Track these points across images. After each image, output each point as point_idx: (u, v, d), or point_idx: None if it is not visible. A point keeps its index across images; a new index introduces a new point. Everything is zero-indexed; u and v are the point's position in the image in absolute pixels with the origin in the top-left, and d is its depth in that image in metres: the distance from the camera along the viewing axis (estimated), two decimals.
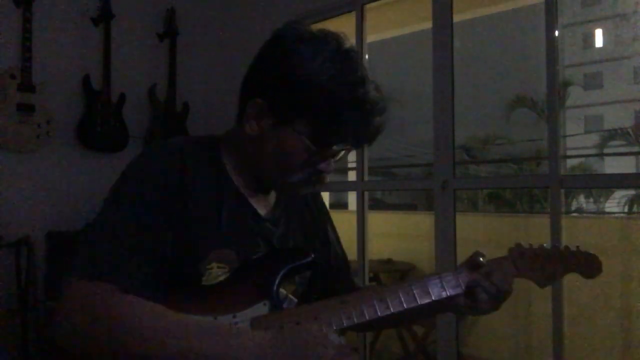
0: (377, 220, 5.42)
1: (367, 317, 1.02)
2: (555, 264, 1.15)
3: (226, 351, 0.88)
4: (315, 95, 0.98)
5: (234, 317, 0.98)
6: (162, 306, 0.91)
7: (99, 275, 0.90)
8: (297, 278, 1.10)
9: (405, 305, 1.05)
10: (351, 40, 1.08)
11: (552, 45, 2.24)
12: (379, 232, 5.02)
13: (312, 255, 1.08)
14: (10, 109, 2.86)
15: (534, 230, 4.74)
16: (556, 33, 2.26)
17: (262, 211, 1.11)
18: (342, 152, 1.06)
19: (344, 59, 1.01)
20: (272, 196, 1.16)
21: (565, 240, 2.19)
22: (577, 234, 4.05)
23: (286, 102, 1.01)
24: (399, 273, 4.95)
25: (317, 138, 1.01)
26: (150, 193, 0.99)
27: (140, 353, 0.87)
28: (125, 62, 3.30)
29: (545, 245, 1.18)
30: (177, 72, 3.45)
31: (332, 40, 1.03)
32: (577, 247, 1.15)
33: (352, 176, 2.91)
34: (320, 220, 1.28)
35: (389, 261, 5.00)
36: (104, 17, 3.18)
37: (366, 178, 2.98)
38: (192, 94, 3.51)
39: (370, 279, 4.33)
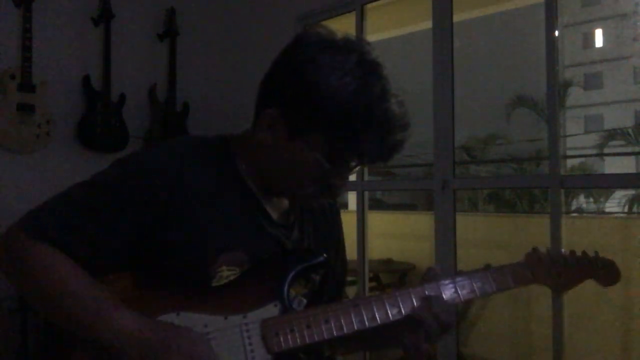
0: (377, 220, 5.42)
1: (379, 321, 1.01)
2: (573, 270, 1.11)
3: (96, 318, 0.92)
4: (331, 110, 0.93)
5: (245, 317, 0.97)
6: (68, 265, 0.95)
7: (31, 226, 0.98)
8: (312, 277, 1.09)
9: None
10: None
11: (552, 45, 2.24)
12: (379, 232, 5.03)
13: (324, 256, 1.06)
14: (10, 109, 2.86)
15: (534, 230, 4.74)
16: (556, 33, 2.26)
17: (275, 215, 1.09)
18: (357, 168, 1.03)
19: (365, 73, 0.95)
20: (286, 201, 1.12)
21: (565, 240, 2.19)
22: (577, 234, 4.05)
23: (300, 114, 0.96)
24: (399, 273, 4.96)
25: (331, 154, 0.97)
26: (130, 184, 0.99)
27: (37, 296, 0.97)
28: (125, 62, 3.30)
29: (562, 250, 1.14)
30: (177, 72, 3.44)
31: (355, 51, 0.97)
32: (596, 252, 1.11)
33: (352, 176, 2.91)
34: (334, 229, 1.24)
35: (389, 261, 5.01)
36: (104, 17, 3.18)
37: (366, 178, 2.98)
38: (192, 94, 3.51)
39: (370, 279, 4.34)
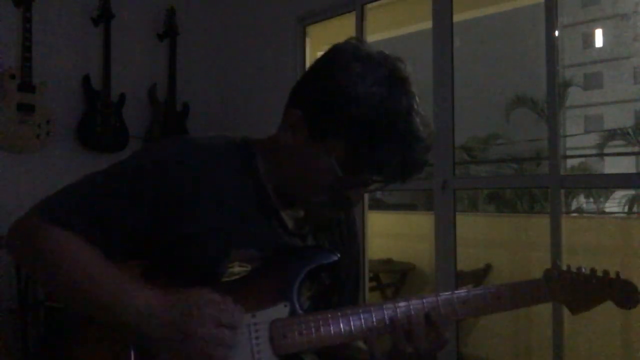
0: (377, 220, 5.42)
1: (387, 322, 1.00)
2: (592, 290, 1.06)
3: (114, 298, 0.91)
4: (354, 115, 0.93)
5: (253, 316, 0.96)
6: (79, 242, 0.95)
7: (45, 211, 0.97)
8: (322, 277, 1.08)
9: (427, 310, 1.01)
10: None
11: (552, 45, 2.24)
12: (379, 232, 5.03)
13: (338, 255, 1.04)
14: (10, 109, 2.86)
15: (534, 230, 4.74)
16: (556, 33, 2.26)
17: (290, 223, 1.08)
18: (373, 185, 1.00)
19: (394, 86, 0.94)
20: (302, 212, 1.11)
21: (565, 240, 2.19)
22: (577, 234, 4.05)
23: (323, 117, 0.96)
24: (399, 273, 4.95)
25: (347, 163, 0.96)
26: (152, 173, 0.99)
27: (47, 273, 0.97)
28: (125, 62, 3.30)
29: (582, 269, 1.08)
30: (177, 72, 3.45)
31: (388, 64, 0.96)
32: (618, 273, 1.05)
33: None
34: (348, 245, 1.21)
35: (389, 261, 5.00)
36: (104, 17, 3.18)
37: None
38: (192, 94, 3.51)
39: (370, 279, 4.34)
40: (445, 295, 1.03)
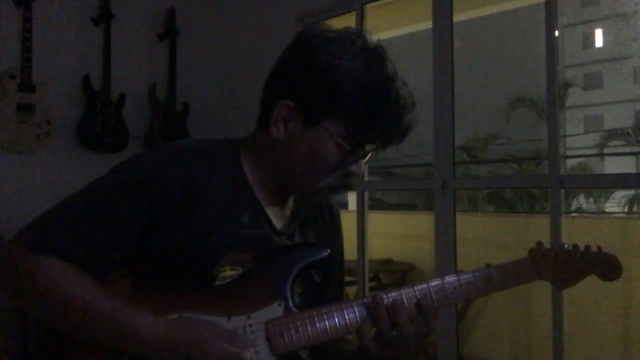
0: (377, 220, 5.42)
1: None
2: (576, 266, 1.10)
3: (121, 333, 0.91)
4: (346, 93, 0.96)
5: (249, 317, 0.97)
6: (72, 272, 0.93)
7: (27, 239, 0.94)
8: (312, 274, 1.08)
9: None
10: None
11: (552, 45, 2.24)
12: (379, 232, 5.02)
13: (327, 251, 1.05)
14: (10, 109, 2.86)
15: (534, 230, 4.74)
16: (556, 33, 2.26)
17: (277, 223, 1.08)
18: (371, 153, 1.03)
19: (372, 56, 0.99)
20: (288, 209, 1.12)
21: (566, 240, 2.18)
22: (577, 234, 4.05)
23: (316, 101, 0.98)
24: (399, 273, 4.95)
25: (349, 137, 0.98)
26: (139, 187, 0.97)
27: (47, 312, 0.94)
28: (125, 62, 3.30)
29: (565, 245, 1.12)
30: (177, 72, 3.45)
31: (358, 38, 1.01)
32: (599, 247, 1.10)
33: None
34: (335, 233, 1.23)
35: (389, 261, 5.00)
36: (104, 17, 3.19)
37: (366, 178, 2.98)
38: (192, 94, 3.51)
39: (370, 279, 4.33)
40: (436, 282, 1.05)
